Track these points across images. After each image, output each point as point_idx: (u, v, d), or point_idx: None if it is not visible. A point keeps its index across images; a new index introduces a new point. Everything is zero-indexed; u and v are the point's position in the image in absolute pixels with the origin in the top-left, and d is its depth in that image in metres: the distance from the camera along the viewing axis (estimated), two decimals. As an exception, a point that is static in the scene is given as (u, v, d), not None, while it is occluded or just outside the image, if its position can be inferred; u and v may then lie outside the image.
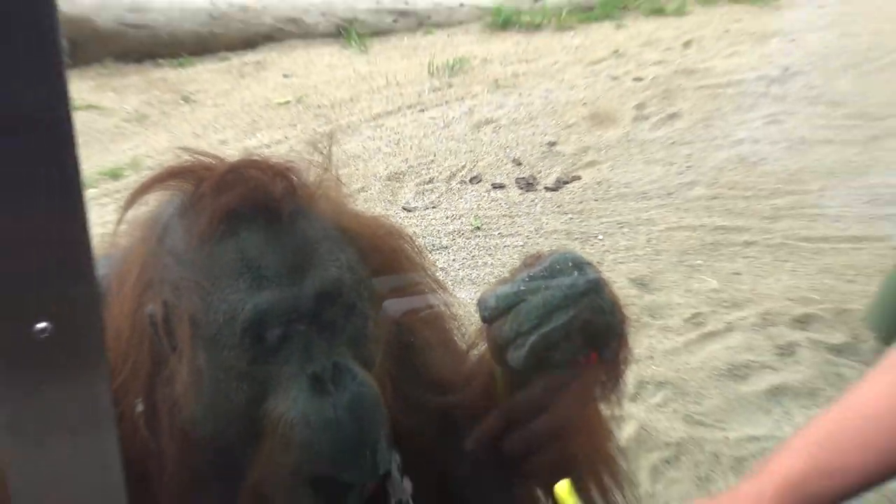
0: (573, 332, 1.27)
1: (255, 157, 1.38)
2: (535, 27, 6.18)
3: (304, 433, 1.26)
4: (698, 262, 3.73)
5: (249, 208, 1.28)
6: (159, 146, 4.87)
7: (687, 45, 5.98)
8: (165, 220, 1.34)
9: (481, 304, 1.31)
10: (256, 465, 1.33)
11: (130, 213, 1.36)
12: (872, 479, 1.27)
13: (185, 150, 1.41)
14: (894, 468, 1.27)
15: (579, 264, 1.31)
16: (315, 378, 1.26)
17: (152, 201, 1.38)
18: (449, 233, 3.97)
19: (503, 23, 6.28)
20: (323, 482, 1.32)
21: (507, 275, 1.37)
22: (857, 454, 1.25)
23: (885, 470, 1.26)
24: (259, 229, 1.29)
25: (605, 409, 1.48)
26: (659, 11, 6.40)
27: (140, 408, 1.31)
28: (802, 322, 3.39)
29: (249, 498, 1.36)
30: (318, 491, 1.32)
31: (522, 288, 1.29)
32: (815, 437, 1.30)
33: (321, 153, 1.44)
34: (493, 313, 1.29)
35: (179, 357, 1.31)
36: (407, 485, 1.39)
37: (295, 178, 1.35)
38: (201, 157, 1.37)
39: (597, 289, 1.30)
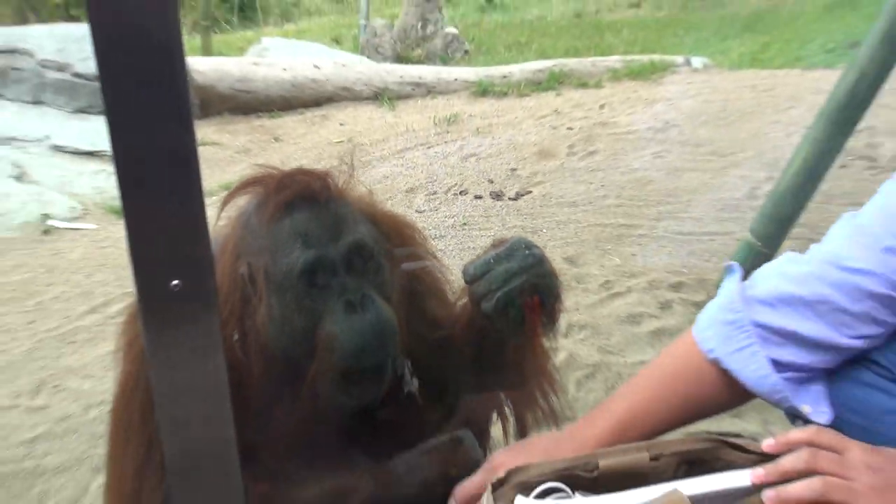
0: (525, 291, 1.41)
1: (304, 168, 1.54)
2: (503, 94, 6.88)
3: (343, 340, 1.41)
4: (608, 247, 4.13)
5: (298, 199, 1.46)
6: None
7: (602, 106, 6.44)
8: (247, 212, 1.52)
9: (464, 271, 1.45)
10: (312, 368, 1.45)
11: (226, 210, 1.54)
12: (671, 422, 1.32)
13: (258, 165, 1.58)
14: (685, 417, 1.34)
15: (530, 246, 1.44)
16: (349, 303, 1.42)
17: (240, 202, 1.54)
18: (446, 227, 4.39)
19: (482, 91, 7.03)
20: (355, 375, 1.45)
21: (481, 252, 1.48)
22: (657, 403, 1.32)
23: (679, 416, 1.32)
24: (305, 212, 1.46)
25: (546, 342, 1.61)
26: (584, 85, 7.03)
27: (236, 337, 1.45)
28: (676, 287, 3.71)
29: (309, 392, 1.48)
30: (353, 382, 1.45)
31: (492, 261, 1.43)
32: (633, 389, 1.36)
33: (348, 166, 1.58)
34: (472, 278, 1.43)
35: (259, 300, 1.46)
36: (415, 382, 1.55)
37: (329, 179, 1.51)
38: (267, 169, 1.52)
39: (541, 262, 1.44)
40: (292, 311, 1.44)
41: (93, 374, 3.31)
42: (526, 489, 1.09)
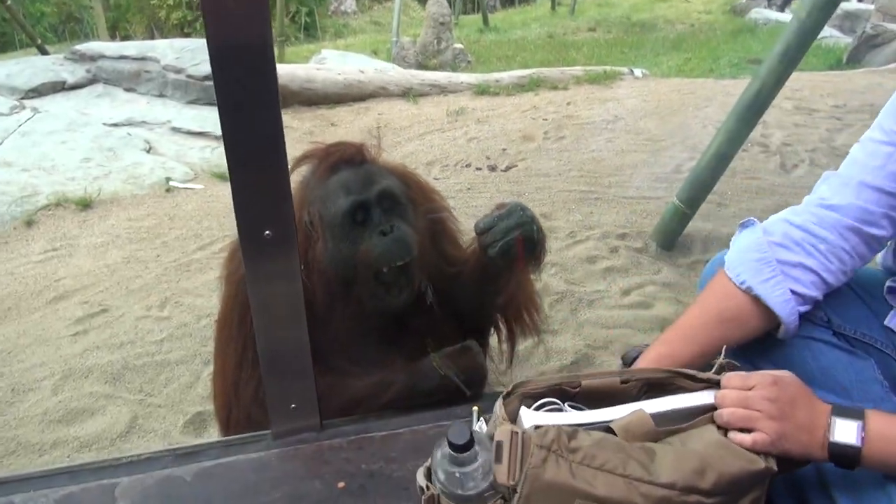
0: (520, 241, 1.39)
1: (343, 141, 1.51)
2: (497, 94, 6.71)
3: (377, 253, 1.39)
4: (572, 207, 4.07)
5: (340, 162, 1.45)
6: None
7: (568, 104, 6.28)
8: (306, 175, 1.51)
9: (476, 226, 1.43)
10: (359, 280, 1.43)
11: (294, 176, 1.40)
12: (696, 362, 1.18)
13: (312, 142, 1.60)
14: (708, 358, 1.19)
15: (524, 208, 1.42)
16: (382, 231, 1.40)
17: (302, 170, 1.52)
18: (456, 191, 4.31)
19: (481, 91, 6.86)
20: (388, 279, 1.43)
21: (488, 212, 1.44)
22: (686, 346, 1.20)
23: (704, 358, 1.19)
24: (347, 171, 1.44)
25: (532, 276, 1.61)
26: (555, 88, 6.86)
27: (302, 267, 1.34)
28: (621, 237, 3.64)
29: (356, 304, 1.46)
30: (387, 285, 1.43)
31: (496, 218, 1.40)
32: (665, 337, 1.23)
33: (378, 140, 1.56)
34: (481, 230, 1.41)
35: (318, 237, 1.44)
36: (434, 296, 1.51)
37: (363, 148, 1.49)
38: (317, 144, 1.51)
39: (532, 220, 1.41)
40: (341, 242, 1.42)
41: (202, 294, 3.35)
42: (528, 398, 1.05)
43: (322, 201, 1.43)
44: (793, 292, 1.18)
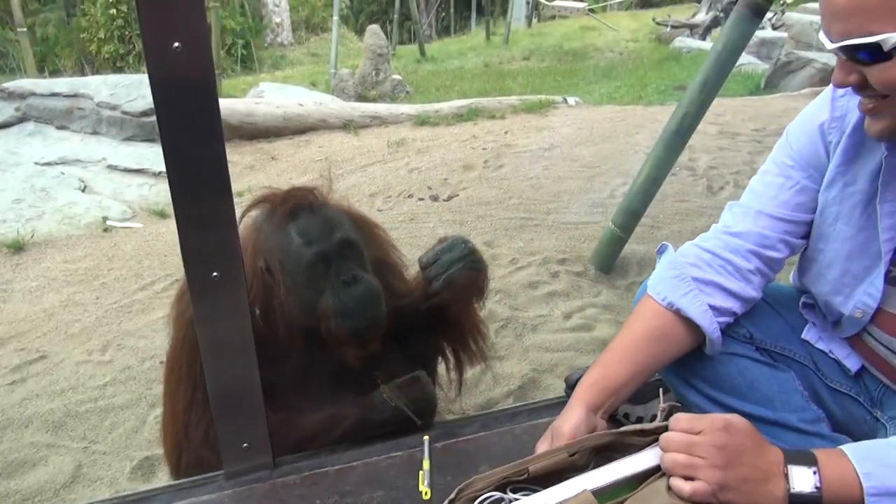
0: (463, 272, 1.45)
1: (298, 185, 1.52)
2: (436, 124, 6.78)
3: (345, 307, 1.40)
4: (514, 234, 4.09)
5: (297, 209, 1.45)
6: (260, 181, 5.41)
7: (507, 133, 6.38)
8: (259, 220, 1.50)
9: (419, 260, 1.48)
10: (321, 328, 1.42)
11: (245, 220, 1.49)
12: (634, 380, 1.21)
13: (265, 187, 1.59)
14: (644, 375, 1.23)
15: (465, 241, 1.48)
16: (345, 281, 1.41)
17: (253, 214, 1.52)
18: (399, 222, 4.30)
19: (421, 122, 6.90)
20: (354, 331, 1.42)
21: (431, 246, 1.49)
22: (622, 366, 1.21)
23: (640, 376, 1.22)
24: (304, 218, 1.44)
25: (477, 305, 1.63)
26: (493, 117, 6.97)
27: (258, 312, 1.42)
28: (561, 262, 3.67)
29: (313, 347, 1.47)
30: (355, 335, 1.43)
31: (438, 252, 1.45)
32: (601, 360, 1.23)
33: (328, 181, 1.56)
34: (425, 265, 1.46)
35: (278, 285, 1.44)
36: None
37: (317, 192, 1.51)
38: (271, 189, 1.51)
39: (473, 252, 1.47)
40: (303, 290, 1.42)
41: (145, 335, 3.28)
42: (472, 501, 1.01)
43: (281, 250, 1.43)
44: (710, 306, 1.24)
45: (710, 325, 1.24)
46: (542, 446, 1.17)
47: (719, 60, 3.07)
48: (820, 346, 1.32)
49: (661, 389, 1.17)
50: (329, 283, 1.41)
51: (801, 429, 1.25)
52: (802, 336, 1.34)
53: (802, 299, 1.35)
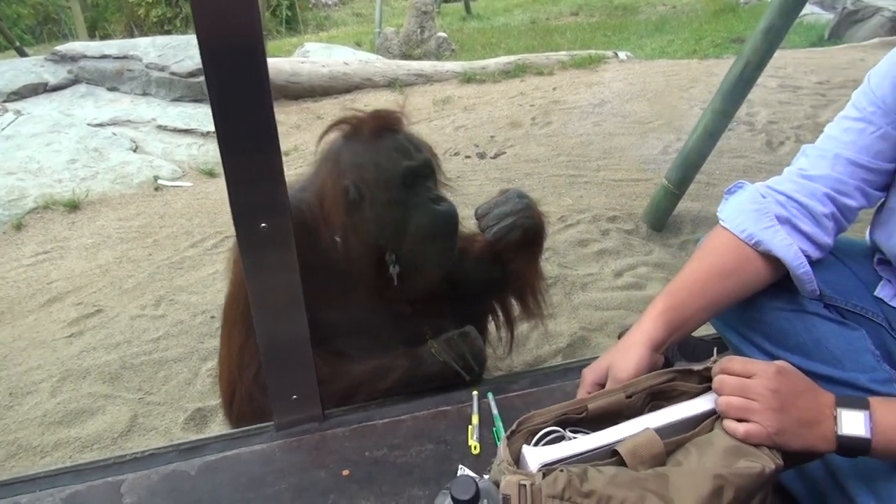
0: (515, 227, 1.46)
1: (381, 108, 1.48)
2: (483, 81, 6.68)
3: (436, 222, 1.41)
4: (562, 191, 4.03)
5: (385, 127, 1.43)
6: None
7: (554, 89, 6.23)
8: (340, 141, 1.46)
9: (476, 211, 1.50)
10: (406, 245, 1.42)
11: (321, 144, 1.48)
12: (702, 316, 1.18)
13: (346, 108, 1.56)
14: (713, 311, 1.20)
15: (521, 196, 1.48)
16: (433, 199, 1.42)
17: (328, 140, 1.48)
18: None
19: (467, 79, 6.81)
20: (441, 246, 1.44)
21: (478, 203, 1.51)
22: (691, 299, 1.17)
23: (709, 312, 1.19)
24: (394, 135, 1.43)
25: (535, 261, 1.61)
26: (541, 73, 6.81)
27: (337, 239, 1.41)
28: (612, 219, 3.62)
29: (386, 285, 1.46)
30: (437, 252, 1.44)
31: (492, 205, 1.47)
32: (670, 289, 1.19)
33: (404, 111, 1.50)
34: (479, 216, 1.48)
35: (364, 202, 1.40)
36: (396, 268, 1.45)
37: (404, 116, 1.47)
38: (351, 111, 1.47)
39: (528, 207, 1.48)
40: (393, 205, 1.40)
41: (196, 291, 3.33)
42: (532, 435, 0.99)
43: (375, 164, 1.40)
44: None
45: (796, 258, 1.18)
46: (590, 377, 1.17)
47: (785, 6, 2.90)
48: (895, 304, 1.24)
49: (715, 349, 1.10)
50: (417, 199, 1.41)
51: (872, 389, 1.17)
52: (876, 293, 1.26)
53: (878, 255, 1.29)
